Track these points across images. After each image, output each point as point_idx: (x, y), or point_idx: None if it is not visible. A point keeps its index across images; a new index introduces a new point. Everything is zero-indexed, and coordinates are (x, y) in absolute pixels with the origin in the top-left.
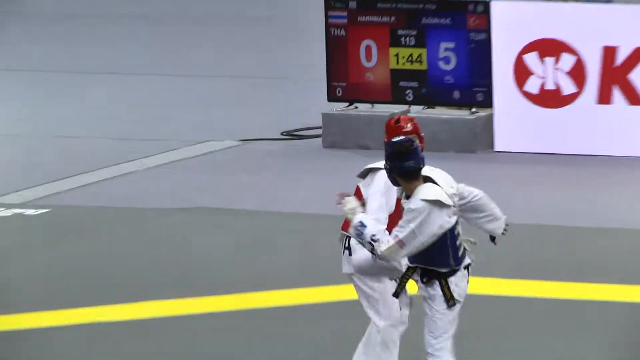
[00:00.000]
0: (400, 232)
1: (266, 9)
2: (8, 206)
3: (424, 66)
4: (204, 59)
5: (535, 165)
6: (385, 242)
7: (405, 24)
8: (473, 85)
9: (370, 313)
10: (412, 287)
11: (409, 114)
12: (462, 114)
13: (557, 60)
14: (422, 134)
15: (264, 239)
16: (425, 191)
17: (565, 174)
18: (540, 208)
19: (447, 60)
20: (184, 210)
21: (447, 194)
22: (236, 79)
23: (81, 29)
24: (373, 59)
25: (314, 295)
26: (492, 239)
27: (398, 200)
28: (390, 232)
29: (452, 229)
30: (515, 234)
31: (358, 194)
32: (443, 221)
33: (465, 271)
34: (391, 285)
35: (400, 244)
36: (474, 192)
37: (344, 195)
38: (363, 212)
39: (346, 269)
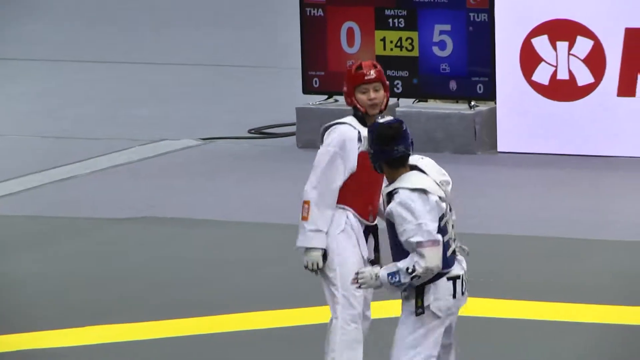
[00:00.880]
0: (419, 235)
1: None
2: None
3: (415, 52)
4: (157, 43)
5: (545, 168)
6: (419, 259)
7: (393, 3)
8: (472, 75)
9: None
10: None
11: (397, 109)
12: (460, 108)
13: (571, 45)
14: (387, 83)
15: (225, 254)
16: (410, 179)
17: (579, 179)
18: (550, 218)
19: (442, 45)
20: (130, 221)
21: (436, 182)
22: (195, 67)
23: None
24: (356, 44)
25: (284, 318)
26: None
27: (361, 155)
28: None
29: (439, 219)
30: (522, 247)
31: None
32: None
33: (450, 283)
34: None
35: (431, 243)
36: None
37: (356, 277)
38: (380, 270)
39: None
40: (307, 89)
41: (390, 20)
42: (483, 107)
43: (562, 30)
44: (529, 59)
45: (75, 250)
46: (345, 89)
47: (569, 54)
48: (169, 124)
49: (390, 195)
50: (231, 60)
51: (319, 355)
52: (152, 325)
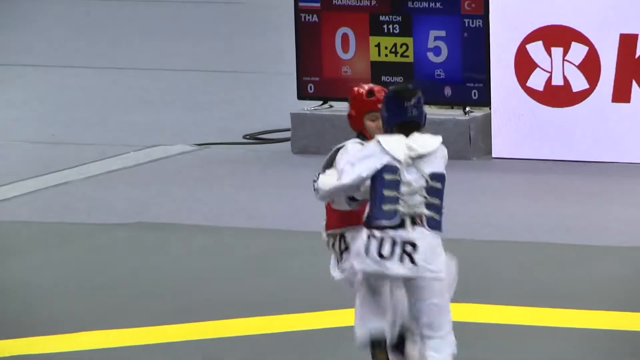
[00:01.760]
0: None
1: None
2: None
3: (410, 58)
4: (151, 49)
5: (540, 174)
6: (321, 176)
7: (388, 9)
8: (467, 81)
9: None
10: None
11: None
12: (455, 114)
13: (566, 51)
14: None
15: (219, 260)
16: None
17: (574, 185)
18: (545, 224)
19: (437, 51)
20: (124, 226)
21: (407, 147)
22: (190, 72)
23: None
24: (350, 50)
25: (279, 325)
26: None
27: None
28: None
29: (383, 174)
30: (515, 254)
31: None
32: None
33: (366, 237)
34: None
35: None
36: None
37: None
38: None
39: (338, 274)
40: (302, 95)
41: (385, 26)
42: (478, 113)
43: (556, 36)
44: (524, 65)
45: (68, 256)
46: (353, 112)
47: (563, 60)
48: (162, 130)
49: None
50: (225, 66)
51: None
52: (146, 331)
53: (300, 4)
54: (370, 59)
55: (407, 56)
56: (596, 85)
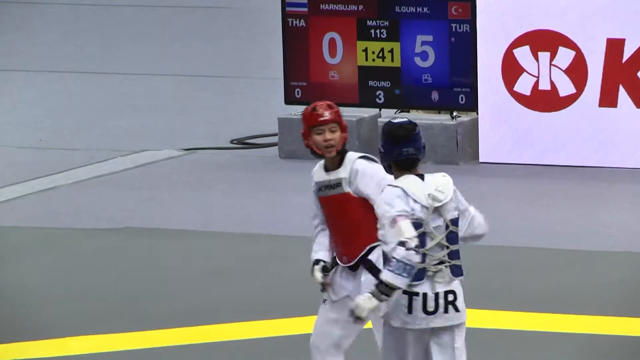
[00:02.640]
0: (385, 219)
1: None
2: None
3: (397, 63)
4: (139, 54)
5: (527, 179)
6: (390, 238)
7: (375, 14)
8: (455, 86)
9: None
10: None
11: (379, 119)
12: (442, 118)
13: (552, 56)
14: (345, 123)
15: (207, 265)
16: (402, 179)
17: (561, 189)
18: (533, 229)
19: (424, 56)
20: (112, 231)
21: (428, 194)
22: (177, 77)
23: None
24: (338, 55)
25: (267, 329)
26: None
27: (321, 198)
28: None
29: (415, 227)
30: (504, 259)
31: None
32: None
33: (406, 297)
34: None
35: (394, 220)
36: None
37: (353, 313)
38: (374, 290)
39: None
40: (289, 100)
41: (372, 30)
42: (465, 117)
43: (543, 40)
44: (511, 70)
45: (56, 261)
46: (302, 130)
47: (550, 64)
48: (149, 135)
49: None
50: (211, 71)
51: None
52: (134, 336)
53: (288, 8)
54: (358, 64)
55: (394, 61)
56: (583, 89)
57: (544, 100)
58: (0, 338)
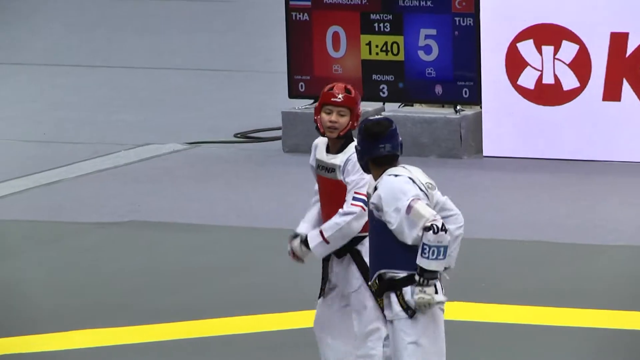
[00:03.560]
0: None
1: None
2: None
3: (401, 57)
4: (144, 47)
5: (530, 173)
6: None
7: (379, 8)
8: (458, 79)
9: None
10: None
11: (383, 113)
12: (446, 112)
13: (556, 50)
14: (359, 112)
15: (210, 259)
16: (397, 169)
17: (565, 183)
18: (536, 223)
19: (428, 49)
20: (116, 225)
21: (421, 182)
22: (182, 71)
23: None
24: (341, 49)
25: (270, 323)
26: None
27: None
28: None
29: None
30: (507, 252)
31: None
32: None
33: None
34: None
35: (416, 199)
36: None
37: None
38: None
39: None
40: (293, 94)
41: (376, 24)
42: (469, 111)
43: (547, 34)
44: (515, 64)
45: (60, 255)
46: (317, 105)
47: (554, 58)
48: (153, 129)
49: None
50: (215, 65)
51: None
52: (137, 330)
53: (291, 2)
54: (361, 58)
55: (398, 54)
56: (587, 83)
57: (548, 94)
58: (2, 331)
